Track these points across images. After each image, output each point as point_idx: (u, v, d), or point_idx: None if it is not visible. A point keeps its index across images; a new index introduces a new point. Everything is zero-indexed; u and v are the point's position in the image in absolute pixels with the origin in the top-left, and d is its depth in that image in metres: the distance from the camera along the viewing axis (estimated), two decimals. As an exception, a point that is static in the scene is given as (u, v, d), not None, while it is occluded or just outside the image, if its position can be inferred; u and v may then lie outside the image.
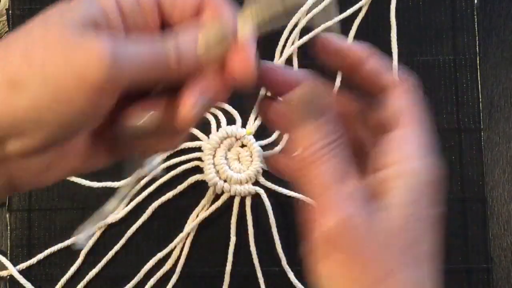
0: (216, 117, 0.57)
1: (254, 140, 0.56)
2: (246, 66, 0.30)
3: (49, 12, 0.31)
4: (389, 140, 0.32)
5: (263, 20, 0.31)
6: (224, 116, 0.56)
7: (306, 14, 0.57)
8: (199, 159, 0.56)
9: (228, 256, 0.55)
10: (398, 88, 0.34)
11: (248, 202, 0.55)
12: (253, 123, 0.56)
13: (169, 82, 0.31)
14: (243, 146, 0.56)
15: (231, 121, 0.57)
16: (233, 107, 0.57)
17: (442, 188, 0.33)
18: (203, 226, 0.55)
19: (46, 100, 0.28)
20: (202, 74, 0.31)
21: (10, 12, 0.58)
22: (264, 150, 0.56)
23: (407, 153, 0.32)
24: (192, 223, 0.55)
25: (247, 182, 0.55)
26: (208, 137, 0.56)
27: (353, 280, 0.30)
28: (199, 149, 0.56)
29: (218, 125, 0.56)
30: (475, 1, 0.58)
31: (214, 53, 0.31)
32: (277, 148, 0.56)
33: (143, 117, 0.31)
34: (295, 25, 0.57)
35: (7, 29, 0.58)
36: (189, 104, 0.31)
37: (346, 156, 0.31)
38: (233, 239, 0.55)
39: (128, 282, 0.55)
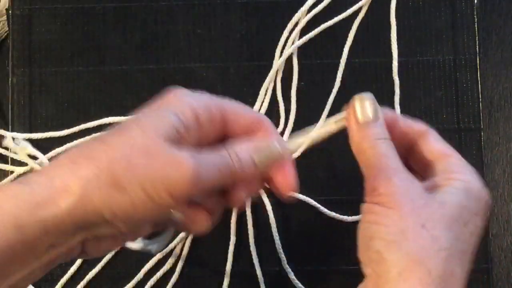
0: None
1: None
2: (289, 183, 0.40)
3: (143, 117, 0.37)
4: (444, 164, 0.38)
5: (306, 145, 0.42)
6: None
7: (306, 14, 0.57)
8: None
9: (228, 256, 0.55)
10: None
11: (248, 202, 0.55)
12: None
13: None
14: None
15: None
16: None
17: (488, 212, 0.38)
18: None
19: (141, 202, 0.34)
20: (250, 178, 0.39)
21: (10, 12, 0.58)
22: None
23: (464, 171, 0.38)
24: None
25: (247, 182, 0.55)
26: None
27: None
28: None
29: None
30: (475, 1, 0.58)
31: (266, 166, 0.39)
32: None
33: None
34: (295, 25, 0.57)
35: (7, 29, 0.58)
36: (240, 200, 0.39)
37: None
38: (233, 239, 0.55)
39: (128, 282, 0.55)
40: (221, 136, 0.39)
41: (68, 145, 0.56)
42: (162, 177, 0.34)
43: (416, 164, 0.41)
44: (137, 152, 0.34)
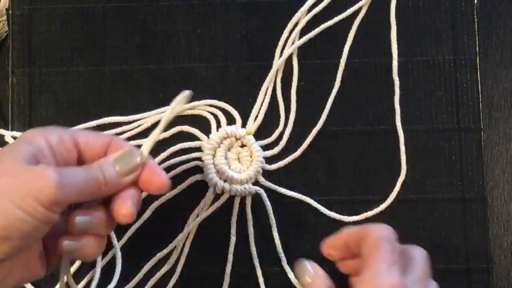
0: (216, 117, 0.57)
1: (254, 140, 0.56)
2: (158, 179, 0.43)
3: (8, 147, 0.42)
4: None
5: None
6: (224, 116, 0.56)
7: (306, 14, 0.57)
8: (199, 159, 0.56)
9: (228, 256, 0.55)
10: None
11: (248, 202, 0.55)
12: (253, 123, 0.56)
13: (101, 197, 0.42)
14: (243, 146, 0.56)
15: (231, 121, 0.57)
16: (233, 107, 0.57)
17: None
18: (203, 226, 0.55)
19: (14, 216, 0.37)
20: (126, 187, 0.43)
21: (10, 12, 0.58)
22: (264, 150, 0.56)
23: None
24: (192, 223, 0.55)
25: (247, 182, 0.55)
26: (208, 137, 0.56)
27: None
28: (199, 149, 0.56)
29: (218, 125, 0.56)
30: (475, 1, 0.58)
31: (128, 172, 0.42)
32: (277, 149, 0.56)
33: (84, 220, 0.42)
34: (295, 25, 0.57)
35: (7, 29, 0.58)
36: (127, 205, 0.42)
37: None
38: (233, 239, 0.55)
39: (128, 282, 0.55)
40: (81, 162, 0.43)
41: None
42: (27, 188, 0.38)
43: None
44: None
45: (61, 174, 0.39)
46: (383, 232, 0.45)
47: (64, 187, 0.38)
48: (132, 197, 0.43)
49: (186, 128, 0.56)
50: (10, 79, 0.57)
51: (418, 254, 0.46)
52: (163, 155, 0.56)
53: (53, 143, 0.41)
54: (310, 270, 0.47)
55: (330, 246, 0.49)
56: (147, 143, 0.45)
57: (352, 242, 0.47)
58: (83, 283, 0.55)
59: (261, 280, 0.54)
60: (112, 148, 0.44)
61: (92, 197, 0.42)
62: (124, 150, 0.43)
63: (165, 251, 0.55)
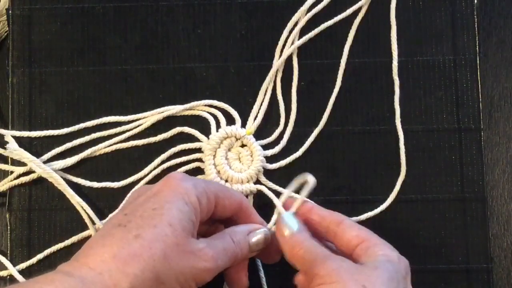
0: (215, 117, 0.57)
1: (254, 139, 0.56)
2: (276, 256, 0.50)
3: (166, 210, 0.43)
4: (364, 246, 0.45)
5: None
6: (224, 116, 0.56)
7: (306, 14, 0.57)
8: (200, 160, 0.56)
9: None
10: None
11: (250, 201, 0.55)
12: (253, 123, 0.56)
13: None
14: (243, 146, 0.56)
15: (230, 121, 0.57)
16: (233, 107, 0.57)
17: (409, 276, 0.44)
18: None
19: None
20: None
21: (10, 12, 0.58)
22: (264, 150, 0.56)
23: (383, 248, 0.44)
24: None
25: (248, 181, 0.55)
26: (208, 138, 0.56)
27: None
28: (199, 150, 0.56)
29: (218, 126, 0.56)
30: (475, 1, 0.58)
31: (258, 249, 0.48)
32: (277, 148, 0.56)
33: None
34: (295, 25, 0.57)
35: (7, 29, 0.58)
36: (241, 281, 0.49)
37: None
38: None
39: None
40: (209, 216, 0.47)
41: (67, 145, 0.56)
42: (191, 269, 0.42)
43: (339, 248, 0.47)
44: (171, 249, 0.41)
45: (217, 255, 0.44)
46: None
47: (217, 268, 0.44)
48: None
49: (186, 129, 0.56)
50: (10, 79, 0.57)
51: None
52: (163, 156, 0.56)
53: (202, 201, 0.45)
54: (288, 223, 0.48)
55: (308, 212, 0.50)
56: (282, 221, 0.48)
57: (317, 217, 0.49)
58: None
59: (262, 280, 0.54)
60: (242, 212, 0.49)
61: (229, 265, 0.46)
62: (259, 230, 0.48)
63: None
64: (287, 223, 0.47)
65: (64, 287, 0.38)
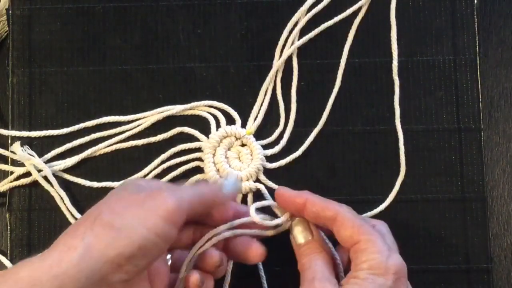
0: (215, 117, 0.57)
1: (254, 139, 0.56)
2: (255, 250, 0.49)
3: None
4: (354, 252, 0.45)
5: None
6: (224, 116, 0.56)
7: (306, 14, 0.57)
8: (200, 159, 0.56)
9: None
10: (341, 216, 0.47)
11: (250, 199, 0.55)
12: (253, 123, 0.56)
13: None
14: (243, 145, 0.56)
15: (230, 121, 0.57)
16: (233, 107, 0.57)
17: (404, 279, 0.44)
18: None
19: (143, 234, 0.40)
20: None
21: (10, 12, 0.58)
22: (264, 149, 0.56)
23: (370, 252, 0.44)
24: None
25: (248, 180, 0.55)
26: (208, 138, 0.56)
27: None
28: (199, 150, 0.56)
29: (218, 126, 0.56)
30: (475, 1, 0.58)
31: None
32: (277, 148, 0.56)
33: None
34: (295, 25, 0.57)
35: (7, 29, 0.58)
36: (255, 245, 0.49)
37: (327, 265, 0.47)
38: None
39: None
40: None
41: (67, 145, 0.56)
42: (150, 207, 0.41)
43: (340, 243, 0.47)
44: (119, 203, 0.42)
45: (174, 191, 0.43)
46: (353, 213, 0.48)
47: (179, 200, 0.42)
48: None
49: (185, 129, 0.56)
50: (10, 79, 0.57)
51: (384, 227, 0.49)
52: (163, 156, 0.56)
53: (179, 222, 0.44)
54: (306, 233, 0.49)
55: (285, 200, 0.50)
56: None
57: (310, 212, 0.48)
58: None
59: (263, 279, 0.54)
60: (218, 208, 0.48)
61: (203, 208, 0.46)
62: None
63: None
64: (298, 233, 0.49)
65: (26, 262, 0.40)
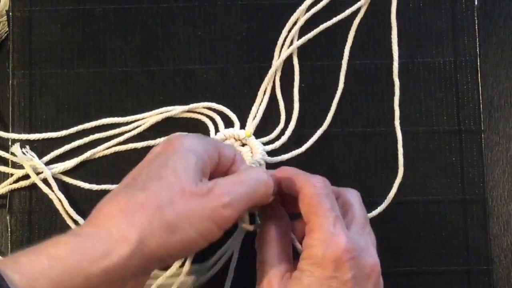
0: (213, 120, 0.56)
1: (254, 137, 0.56)
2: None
3: (170, 161, 0.41)
4: (306, 232, 0.43)
5: None
6: (222, 119, 0.56)
7: (305, 13, 0.57)
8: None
9: (234, 254, 0.54)
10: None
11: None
12: (252, 122, 0.56)
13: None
14: (243, 145, 0.56)
15: (229, 124, 0.56)
16: (233, 108, 0.57)
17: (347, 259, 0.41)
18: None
19: (191, 239, 0.39)
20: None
21: (10, 13, 0.58)
22: (265, 146, 0.56)
23: (319, 234, 0.42)
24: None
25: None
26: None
27: None
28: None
29: (216, 129, 0.56)
30: (475, 2, 0.57)
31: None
32: (278, 143, 0.56)
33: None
34: (294, 24, 0.57)
35: (7, 29, 0.58)
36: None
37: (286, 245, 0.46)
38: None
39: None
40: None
41: (66, 147, 0.56)
42: (202, 211, 0.40)
43: None
44: (178, 195, 0.39)
45: (229, 192, 0.41)
46: (319, 187, 0.45)
47: (235, 203, 0.41)
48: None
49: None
50: (10, 81, 0.57)
51: (354, 197, 0.47)
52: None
53: (210, 154, 0.43)
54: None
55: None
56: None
57: (285, 186, 0.47)
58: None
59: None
60: (237, 163, 0.46)
61: (254, 205, 0.45)
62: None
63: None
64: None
65: (69, 248, 0.37)
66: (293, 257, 0.47)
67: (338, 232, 0.42)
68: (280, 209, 0.48)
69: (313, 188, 0.44)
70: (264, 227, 0.47)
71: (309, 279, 0.41)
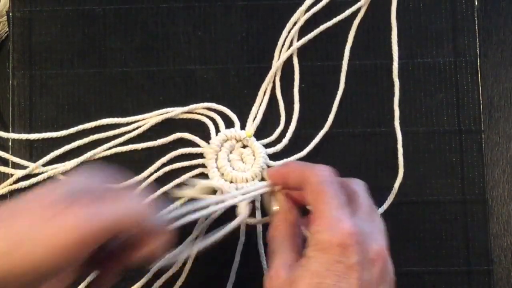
0: (214, 121, 0.56)
1: (255, 139, 0.56)
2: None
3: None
4: (312, 219, 0.43)
5: None
6: (222, 119, 0.56)
7: (305, 13, 0.57)
8: (203, 165, 0.56)
9: (236, 256, 0.54)
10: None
11: (257, 198, 0.55)
12: (252, 123, 0.56)
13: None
14: (244, 147, 0.56)
15: (229, 124, 0.57)
16: (234, 109, 0.57)
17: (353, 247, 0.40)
18: (211, 226, 0.55)
19: (42, 258, 0.37)
20: None
21: (10, 14, 0.58)
22: (266, 148, 0.56)
23: (322, 226, 0.41)
24: (201, 225, 0.55)
25: (253, 180, 0.55)
26: (208, 143, 0.56)
27: None
28: (200, 155, 0.56)
29: (217, 130, 0.56)
30: (475, 3, 0.58)
31: None
32: (279, 146, 0.56)
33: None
34: (294, 24, 0.57)
35: (7, 29, 0.58)
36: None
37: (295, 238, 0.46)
38: (241, 239, 0.55)
39: (135, 283, 0.55)
40: None
41: (66, 147, 0.56)
42: (52, 235, 0.37)
43: None
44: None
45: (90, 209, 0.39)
46: (323, 175, 0.44)
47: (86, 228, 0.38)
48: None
49: (185, 135, 0.56)
50: (10, 81, 0.57)
51: (359, 186, 0.47)
52: (163, 159, 0.56)
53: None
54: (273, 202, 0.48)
55: (273, 174, 0.48)
56: None
57: (292, 180, 0.46)
58: (83, 284, 0.55)
59: (263, 259, 0.54)
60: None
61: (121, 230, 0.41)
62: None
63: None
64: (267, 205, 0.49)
65: None
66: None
67: (342, 217, 0.41)
68: (288, 201, 0.48)
69: (317, 177, 0.44)
70: (274, 220, 0.47)
71: (315, 265, 0.40)
